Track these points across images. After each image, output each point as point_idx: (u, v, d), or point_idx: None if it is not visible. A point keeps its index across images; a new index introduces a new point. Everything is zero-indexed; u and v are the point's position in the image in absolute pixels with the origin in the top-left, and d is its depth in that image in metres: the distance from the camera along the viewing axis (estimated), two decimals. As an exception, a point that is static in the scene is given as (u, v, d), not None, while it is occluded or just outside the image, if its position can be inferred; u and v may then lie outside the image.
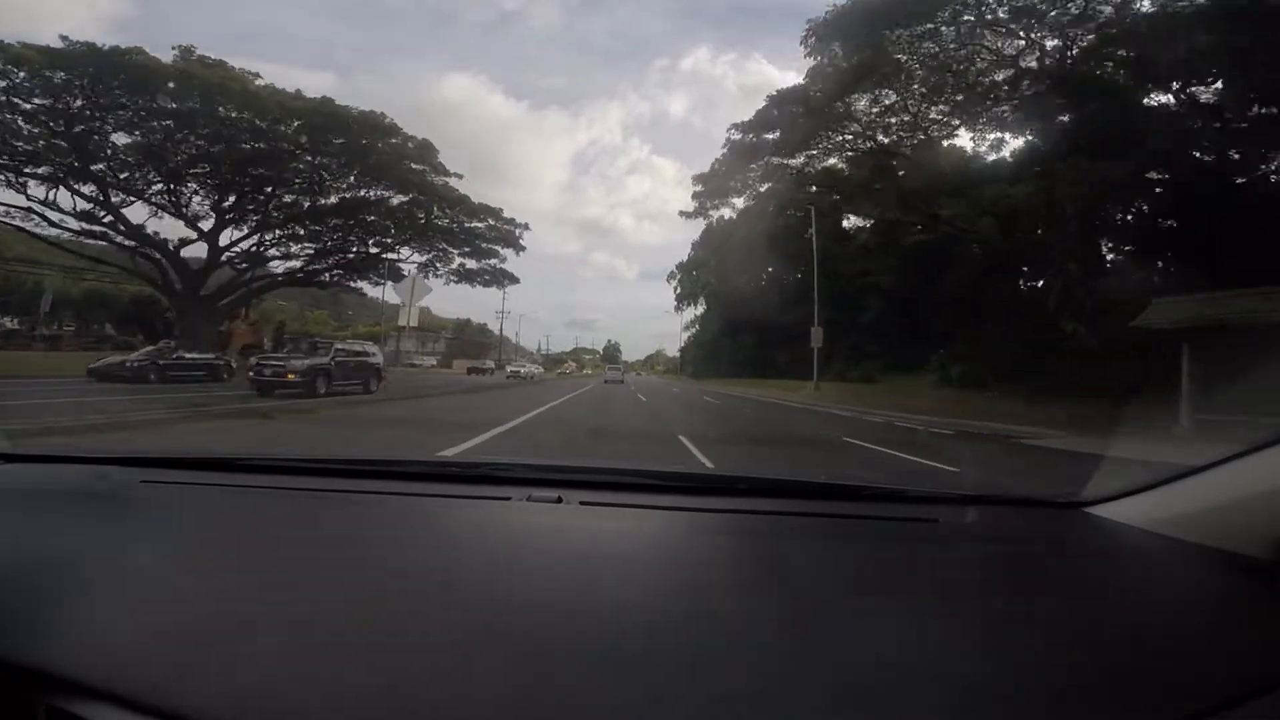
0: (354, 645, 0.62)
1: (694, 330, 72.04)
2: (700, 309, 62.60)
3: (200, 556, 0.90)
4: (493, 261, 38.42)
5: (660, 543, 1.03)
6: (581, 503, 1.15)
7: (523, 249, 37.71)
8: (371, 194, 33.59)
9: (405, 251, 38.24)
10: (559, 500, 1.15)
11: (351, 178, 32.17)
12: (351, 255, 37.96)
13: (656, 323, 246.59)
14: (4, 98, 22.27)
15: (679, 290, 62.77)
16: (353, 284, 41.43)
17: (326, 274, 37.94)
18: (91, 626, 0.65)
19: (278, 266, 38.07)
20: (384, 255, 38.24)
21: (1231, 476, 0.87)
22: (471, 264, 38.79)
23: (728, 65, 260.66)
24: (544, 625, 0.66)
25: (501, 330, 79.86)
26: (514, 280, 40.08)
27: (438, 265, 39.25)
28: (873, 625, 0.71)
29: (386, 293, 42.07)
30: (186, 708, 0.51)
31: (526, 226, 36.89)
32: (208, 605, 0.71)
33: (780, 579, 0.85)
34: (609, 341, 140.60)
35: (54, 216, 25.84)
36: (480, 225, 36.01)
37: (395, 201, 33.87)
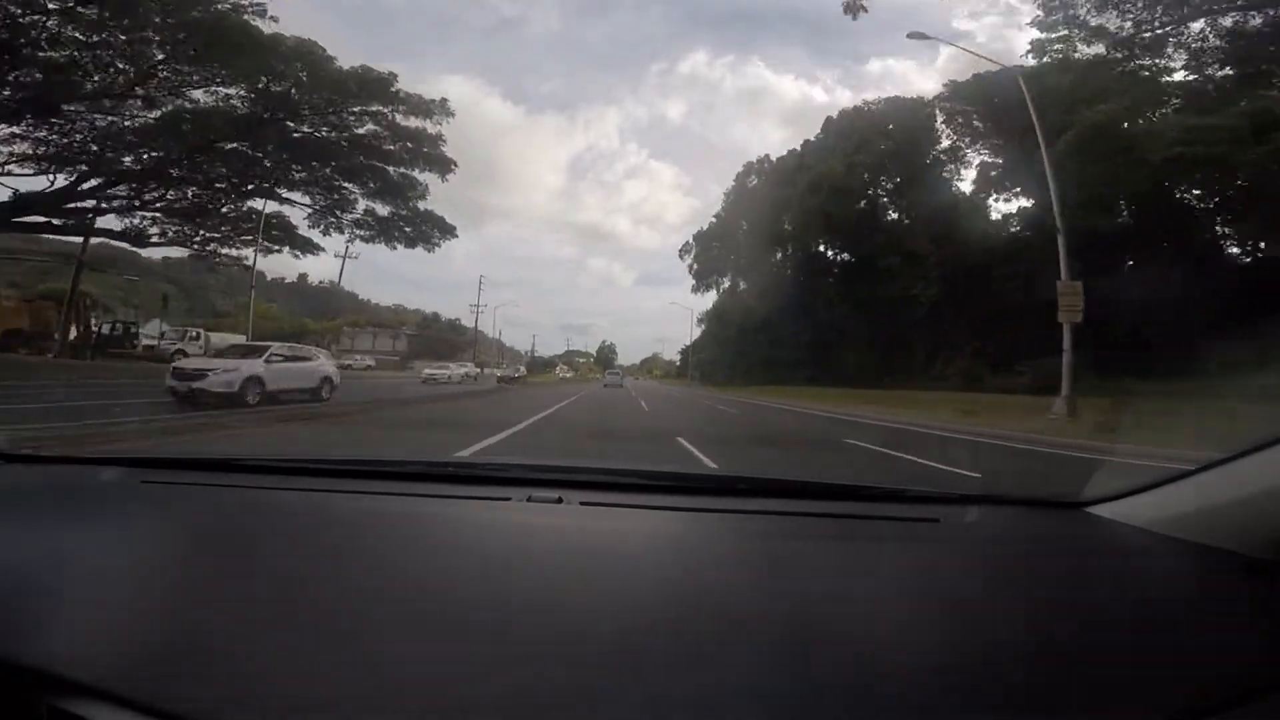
0: (354, 646, 0.61)
1: (708, 324, 58.73)
2: (720, 294, 47.63)
3: (200, 557, 0.89)
4: (418, 204, 24.64)
5: (661, 543, 1.01)
6: (582, 503, 1.14)
7: (451, 167, 23.47)
8: (200, 94, 20.21)
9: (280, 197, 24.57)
10: (559, 501, 1.13)
11: (159, 63, 18.84)
12: (187, 199, 24.23)
13: (653, 327, 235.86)
14: None
15: (695, 268, 47.66)
16: (206, 246, 27.21)
17: (129, 225, 23.72)
18: (93, 627, 0.65)
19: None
20: (229, 199, 24.67)
21: (1231, 476, 0.86)
22: (383, 209, 25.08)
23: (725, 68, 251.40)
24: (544, 625, 0.65)
25: (476, 325, 66.21)
26: (448, 232, 26.25)
27: (337, 213, 25.38)
28: (874, 625, 0.70)
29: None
30: (186, 708, 0.51)
31: (447, 108, 22.17)
32: (208, 606, 0.70)
33: (781, 579, 0.84)
34: (603, 343, 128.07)
35: None
36: (376, 128, 22.11)
37: (238, 100, 20.49)
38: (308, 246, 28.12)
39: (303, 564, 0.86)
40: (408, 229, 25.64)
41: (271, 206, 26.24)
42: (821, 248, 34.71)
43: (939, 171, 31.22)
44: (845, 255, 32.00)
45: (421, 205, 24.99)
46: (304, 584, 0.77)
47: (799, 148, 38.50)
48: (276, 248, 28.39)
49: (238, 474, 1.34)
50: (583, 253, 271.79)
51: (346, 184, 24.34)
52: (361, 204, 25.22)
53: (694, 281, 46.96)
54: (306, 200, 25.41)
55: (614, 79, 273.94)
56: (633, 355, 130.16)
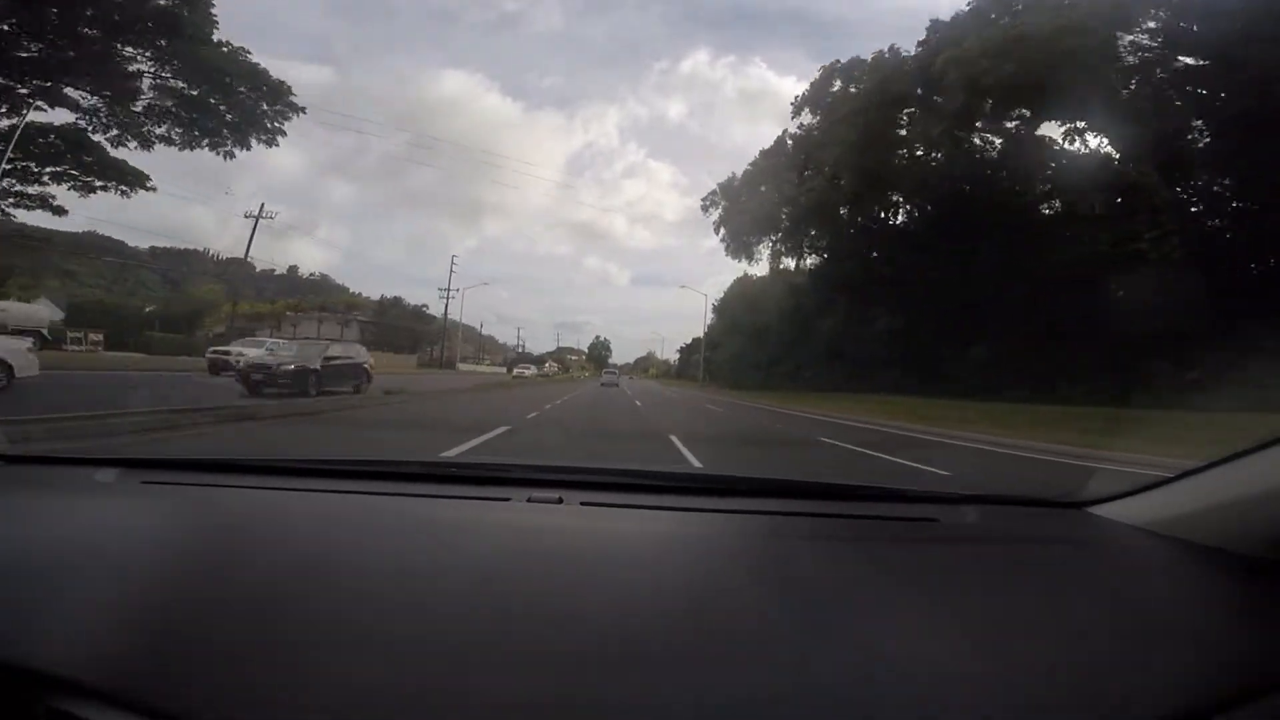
0: (353, 646, 0.61)
1: (728, 312, 46.89)
2: (750, 264, 34.89)
3: (200, 558, 0.88)
4: (218, 44, 14.67)
5: (661, 543, 1.00)
6: (582, 503, 1.12)
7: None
8: None
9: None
10: (559, 501, 1.12)
11: None
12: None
13: (649, 327, 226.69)
14: None
15: (725, 230, 33.58)
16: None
17: None
18: (91, 628, 0.64)
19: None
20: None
21: (1231, 476, 0.86)
22: (175, 80, 15.36)
23: (727, 69, 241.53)
24: (545, 626, 0.65)
25: (446, 312, 54.68)
26: (281, 100, 16.25)
27: (122, 102, 15.30)
28: (873, 625, 0.70)
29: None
30: (184, 708, 0.51)
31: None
32: (207, 607, 0.70)
33: (781, 579, 0.83)
34: (597, 338, 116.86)
35: None
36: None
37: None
38: (115, 173, 16.76)
39: (302, 565, 0.84)
40: (223, 108, 15.44)
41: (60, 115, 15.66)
42: (952, 183, 21.94)
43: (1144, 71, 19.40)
44: (985, 189, 20.03)
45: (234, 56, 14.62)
46: (303, 585, 0.76)
47: (924, 36, 24.95)
48: (100, 183, 17.15)
49: (237, 475, 1.31)
50: (578, 251, 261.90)
51: (116, 44, 14.41)
52: (148, 80, 15.20)
53: (726, 244, 33.64)
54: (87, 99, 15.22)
55: (614, 77, 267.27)
56: (627, 354, 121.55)
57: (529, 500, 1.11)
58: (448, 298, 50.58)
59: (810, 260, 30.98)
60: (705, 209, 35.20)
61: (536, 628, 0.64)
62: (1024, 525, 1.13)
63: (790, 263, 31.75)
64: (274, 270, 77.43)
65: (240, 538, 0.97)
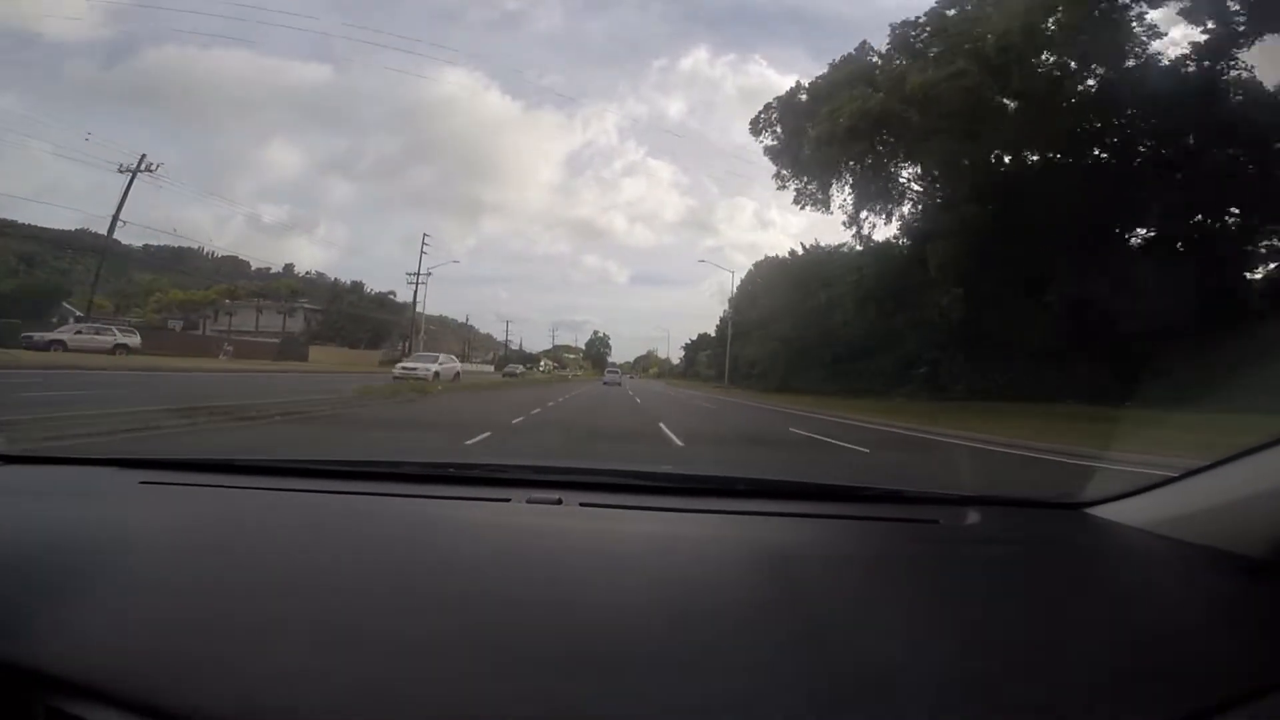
0: (354, 646, 0.61)
1: (759, 292, 38.35)
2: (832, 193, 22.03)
3: (199, 558, 0.88)
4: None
5: (661, 544, 0.99)
6: (581, 504, 1.12)
7: None
8: None
9: None
10: (559, 502, 1.12)
11: None
12: None
13: (649, 326, 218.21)
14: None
15: (784, 164, 22.98)
16: None
17: None
18: (91, 628, 0.65)
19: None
20: None
21: (1231, 476, 0.86)
22: None
23: (727, 67, 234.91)
24: (544, 626, 0.66)
25: (415, 299, 45.72)
26: None
27: None
28: (873, 626, 0.70)
29: None
30: (186, 708, 0.52)
31: None
32: (206, 607, 0.70)
33: (780, 580, 0.84)
34: (595, 334, 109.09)
35: None
36: None
37: None
38: None
39: (301, 565, 0.84)
40: None
41: None
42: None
43: None
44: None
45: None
46: (302, 585, 0.77)
47: None
48: None
49: (236, 475, 1.30)
50: (576, 250, 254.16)
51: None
52: None
53: (783, 184, 23.35)
54: None
55: (614, 75, 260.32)
56: (626, 353, 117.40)
57: (528, 501, 1.11)
58: (416, 283, 41.62)
59: (905, 209, 21.76)
60: (756, 133, 24.01)
61: (536, 628, 0.64)
62: (1024, 526, 1.13)
63: (877, 217, 22.22)
64: (269, 268, 70.88)
65: (239, 538, 0.96)
